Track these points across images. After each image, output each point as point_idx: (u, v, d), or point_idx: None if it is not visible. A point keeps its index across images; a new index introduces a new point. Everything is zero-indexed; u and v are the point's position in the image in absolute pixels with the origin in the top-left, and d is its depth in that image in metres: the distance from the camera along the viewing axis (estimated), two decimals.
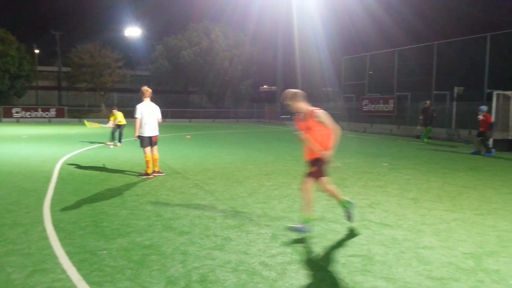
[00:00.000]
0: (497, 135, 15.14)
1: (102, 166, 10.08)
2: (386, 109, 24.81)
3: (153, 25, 47.22)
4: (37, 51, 44.63)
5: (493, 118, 14.88)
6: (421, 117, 18.23)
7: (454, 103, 20.49)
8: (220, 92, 45.11)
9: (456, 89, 19.94)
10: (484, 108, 13.97)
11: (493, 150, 13.59)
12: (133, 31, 45.98)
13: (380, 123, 25.45)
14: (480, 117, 13.77)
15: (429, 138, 18.26)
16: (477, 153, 13.64)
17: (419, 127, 19.16)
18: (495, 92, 15.35)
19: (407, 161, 11.82)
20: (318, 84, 42.59)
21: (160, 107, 9.11)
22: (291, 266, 3.92)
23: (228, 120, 42.40)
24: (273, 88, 50.22)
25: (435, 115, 17.93)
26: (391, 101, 24.51)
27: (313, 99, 32.66)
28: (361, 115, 27.06)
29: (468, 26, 29.64)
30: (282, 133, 24.68)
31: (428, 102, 18.46)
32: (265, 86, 57.37)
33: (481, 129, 13.71)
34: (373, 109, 25.99)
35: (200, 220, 5.45)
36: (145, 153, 8.64)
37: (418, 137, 20.68)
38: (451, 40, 21.89)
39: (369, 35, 35.21)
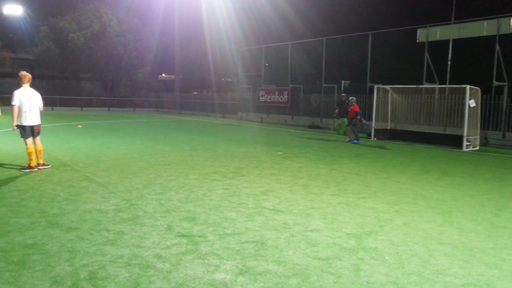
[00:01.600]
0: (378, 125, 16.70)
1: None
2: (281, 100, 25.84)
3: (37, 3, 42.69)
4: None
5: (374, 109, 16.41)
6: (336, 110, 18.37)
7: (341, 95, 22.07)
8: (115, 79, 42.84)
9: (343, 83, 21.49)
10: (352, 99, 15.51)
11: (359, 139, 14.87)
12: (13, 9, 41.26)
13: (276, 114, 26.44)
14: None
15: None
16: (351, 141, 14.85)
17: (335, 120, 19.16)
18: (376, 86, 16.87)
19: (299, 149, 12.48)
20: (219, 74, 42.78)
21: (47, 94, 8.43)
22: (186, 257, 3.91)
23: (124, 109, 40.54)
24: (172, 77, 49.16)
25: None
26: (285, 92, 25.57)
27: (213, 89, 32.45)
28: (258, 106, 27.82)
29: (358, 23, 31.95)
30: (181, 123, 24.37)
31: (343, 94, 18.57)
32: (163, 75, 55.89)
33: (351, 116, 15.29)
34: (269, 100, 26.88)
35: (90, 214, 5.16)
36: (26, 144, 7.90)
37: (315, 127, 21.91)
38: (339, 36, 23.44)
39: (272, 27, 36.08)
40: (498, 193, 7.16)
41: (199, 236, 4.50)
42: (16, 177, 7.30)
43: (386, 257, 4.07)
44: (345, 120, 17.49)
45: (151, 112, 38.81)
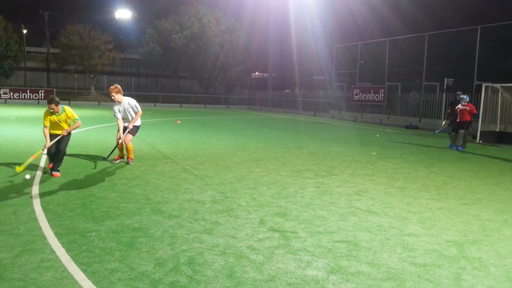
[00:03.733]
0: (484, 127, 15.33)
1: (91, 149, 10.03)
2: (377, 99, 24.94)
3: (144, 7, 46.38)
4: (25, 31, 43.78)
5: (481, 109, 14.98)
6: (449, 110, 15.56)
7: (444, 94, 20.66)
8: (211, 78, 44.83)
9: (446, 80, 20.09)
10: (466, 97, 12.82)
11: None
12: (123, 13, 45.22)
13: (370, 112, 25.60)
14: (460, 106, 12.60)
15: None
16: (455, 146, 12.56)
17: (445, 121, 15.85)
18: (484, 84, 15.49)
19: (395, 150, 11.95)
20: (312, 72, 42.61)
21: (150, 91, 9.00)
22: (278, 250, 3.98)
23: (219, 106, 42.26)
24: (265, 75, 50.09)
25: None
26: (381, 90, 24.62)
27: (306, 87, 32.41)
28: (352, 104, 27.17)
29: (462, 17, 29.71)
30: (273, 121, 24.71)
31: (459, 92, 15.08)
32: (256, 73, 57.16)
33: (465, 119, 12.43)
34: (363, 98, 26.11)
35: (189, 204, 5.49)
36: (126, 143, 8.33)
37: (413, 128, 20.69)
38: (443, 31, 21.95)
39: (365, 24, 35.09)
40: None
41: (290, 232, 4.54)
42: (124, 167, 8.01)
43: (492, 269, 3.74)
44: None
45: (244, 110, 39.92)
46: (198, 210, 5.21)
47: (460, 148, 12.43)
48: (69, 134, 7.26)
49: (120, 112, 8.10)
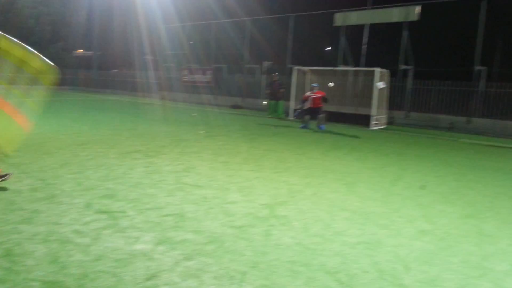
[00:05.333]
0: (293, 105, 17.43)
1: None
2: (205, 80, 25.82)
3: None
4: None
5: (293, 90, 17.01)
6: (268, 91, 17.83)
7: (264, 76, 22.63)
8: None
9: (264, 63, 22.02)
10: (317, 85, 14.19)
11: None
12: None
13: (200, 93, 26.39)
14: (312, 94, 13.85)
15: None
16: (305, 127, 13.72)
17: (265, 101, 18.19)
18: (294, 68, 17.56)
19: (221, 129, 12.76)
20: (142, 52, 41.24)
21: None
22: (106, 231, 4.03)
23: (34, 86, 37.73)
24: (89, 53, 46.49)
25: (282, 90, 17.32)
26: (208, 72, 25.58)
27: (136, 67, 31.07)
28: (181, 85, 27.53)
29: (279, 4, 32.45)
30: (100, 102, 23.42)
31: (275, 74, 17.75)
32: (80, 51, 52.62)
33: (317, 105, 13.71)
34: (192, 80, 26.71)
35: (3, 195, 5.01)
36: None
37: (238, 108, 22.19)
38: (262, 17, 23.86)
39: (202, 5, 35.24)
40: (397, 166, 8.04)
41: (119, 212, 4.60)
42: None
43: (294, 223, 4.51)
44: (273, 102, 17.27)
45: (65, 91, 36.60)
46: (14, 200, 4.81)
47: (323, 127, 13.58)
48: None
49: None
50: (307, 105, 13.99)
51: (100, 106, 20.49)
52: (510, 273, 3.59)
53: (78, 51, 51.83)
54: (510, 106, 14.68)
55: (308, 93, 14.14)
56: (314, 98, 13.90)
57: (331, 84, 14.69)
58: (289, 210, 4.97)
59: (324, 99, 14.05)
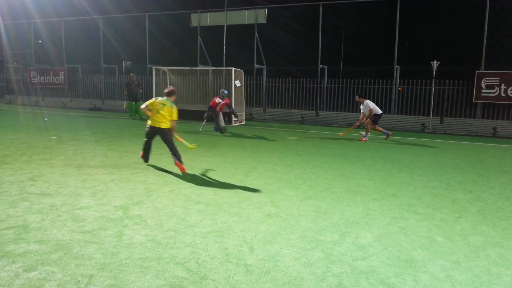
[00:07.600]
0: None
1: None
2: (57, 81, 23.83)
3: None
4: None
5: (153, 89, 16.81)
6: (125, 92, 17.21)
7: (123, 76, 21.83)
8: None
9: (124, 63, 21.24)
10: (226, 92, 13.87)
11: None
12: None
13: (53, 96, 24.27)
14: (221, 100, 13.47)
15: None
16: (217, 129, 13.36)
17: (125, 102, 17.72)
18: (154, 67, 17.34)
19: (77, 132, 12.01)
20: None
21: None
22: None
23: None
24: None
25: (141, 91, 17.24)
26: (61, 73, 23.67)
27: None
28: (31, 88, 24.93)
29: (137, 3, 31.40)
30: None
31: (132, 74, 17.50)
32: None
33: (221, 109, 13.49)
34: (43, 81, 24.41)
35: None
36: None
37: (97, 110, 20.99)
38: (118, 15, 22.91)
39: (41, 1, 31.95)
40: (252, 158, 8.60)
41: None
42: None
43: (148, 221, 4.57)
44: (133, 103, 16.77)
45: None
46: None
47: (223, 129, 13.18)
48: None
49: None
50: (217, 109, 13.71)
51: None
52: (338, 242, 4.20)
53: None
54: (349, 99, 16.71)
55: (218, 99, 13.78)
56: (222, 104, 13.66)
57: (237, 83, 14.87)
58: (144, 209, 5.01)
59: (229, 106, 14.10)
